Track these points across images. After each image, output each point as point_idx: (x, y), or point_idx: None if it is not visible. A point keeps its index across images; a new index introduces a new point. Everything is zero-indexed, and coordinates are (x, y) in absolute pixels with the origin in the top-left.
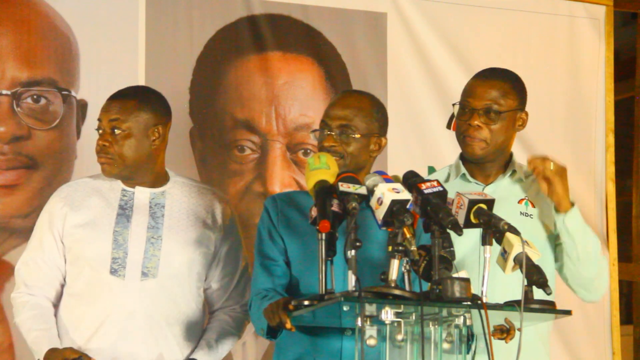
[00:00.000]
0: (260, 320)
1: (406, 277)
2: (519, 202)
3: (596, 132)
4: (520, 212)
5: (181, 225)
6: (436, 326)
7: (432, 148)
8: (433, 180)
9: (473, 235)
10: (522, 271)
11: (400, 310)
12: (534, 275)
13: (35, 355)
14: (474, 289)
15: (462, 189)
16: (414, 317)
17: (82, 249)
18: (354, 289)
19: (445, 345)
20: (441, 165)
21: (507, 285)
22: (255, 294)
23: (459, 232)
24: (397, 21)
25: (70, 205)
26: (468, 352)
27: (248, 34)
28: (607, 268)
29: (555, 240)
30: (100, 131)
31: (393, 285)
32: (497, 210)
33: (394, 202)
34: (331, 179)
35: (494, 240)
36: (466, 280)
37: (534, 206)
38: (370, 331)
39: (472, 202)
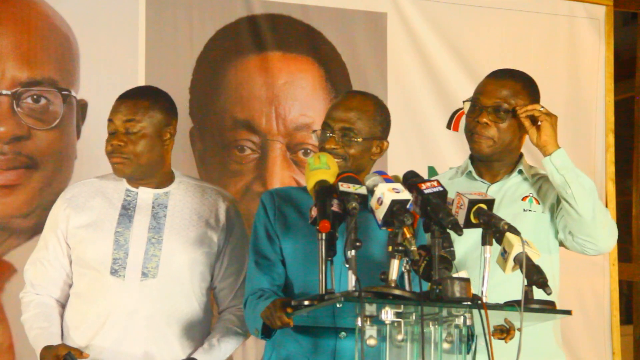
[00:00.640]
0: (256, 320)
1: (406, 277)
2: (523, 199)
3: (596, 132)
4: (524, 209)
5: (183, 225)
6: (436, 326)
7: (432, 148)
8: (433, 180)
9: (473, 235)
10: (522, 271)
11: (400, 310)
12: (534, 275)
13: (36, 352)
14: (474, 289)
15: (466, 187)
16: (414, 317)
17: (84, 249)
18: (354, 289)
19: (445, 345)
20: (441, 165)
21: (507, 285)
22: (251, 293)
23: (459, 232)
24: (397, 21)
25: (74, 207)
26: (468, 352)
27: (248, 34)
28: (609, 215)
29: (556, 215)
30: (113, 132)
31: (393, 285)
32: (501, 209)
33: (394, 202)
34: (331, 179)
35: (494, 240)
36: (466, 280)
37: (538, 203)
38: (370, 331)
39: (472, 202)
